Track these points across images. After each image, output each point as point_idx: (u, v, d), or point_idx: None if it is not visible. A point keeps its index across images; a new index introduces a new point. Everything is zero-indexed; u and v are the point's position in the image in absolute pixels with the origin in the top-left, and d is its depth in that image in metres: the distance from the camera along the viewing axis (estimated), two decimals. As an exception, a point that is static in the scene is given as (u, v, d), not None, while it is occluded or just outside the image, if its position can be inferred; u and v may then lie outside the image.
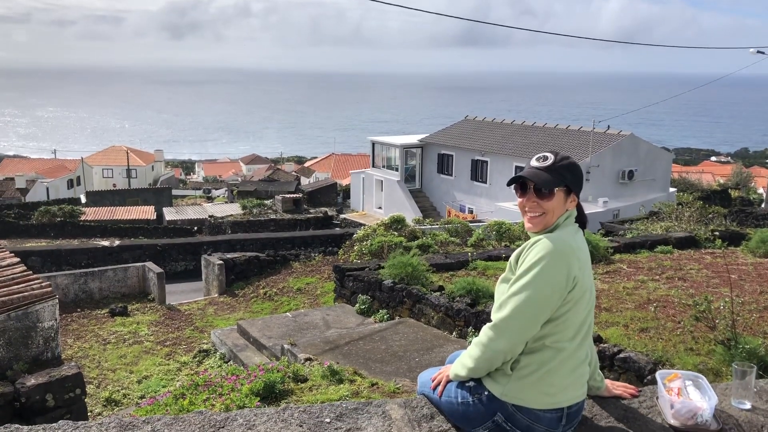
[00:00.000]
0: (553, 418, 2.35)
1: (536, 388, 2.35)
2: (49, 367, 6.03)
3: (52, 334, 6.22)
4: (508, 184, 2.64)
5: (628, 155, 32.14)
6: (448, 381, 2.53)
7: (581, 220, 2.59)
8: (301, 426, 2.32)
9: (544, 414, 2.34)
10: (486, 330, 2.43)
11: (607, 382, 2.78)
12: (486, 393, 2.39)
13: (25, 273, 6.74)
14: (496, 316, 2.40)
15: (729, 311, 6.33)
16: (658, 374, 2.66)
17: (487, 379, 2.42)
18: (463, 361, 2.48)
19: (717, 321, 6.38)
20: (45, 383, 5.61)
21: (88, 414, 9.22)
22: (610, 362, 6.44)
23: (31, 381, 5.62)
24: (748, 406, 2.61)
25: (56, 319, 6.23)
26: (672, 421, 2.46)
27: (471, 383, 2.44)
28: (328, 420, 2.38)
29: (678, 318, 7.14)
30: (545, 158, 2.55)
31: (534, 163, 2.57)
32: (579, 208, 2.60)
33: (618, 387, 2.81)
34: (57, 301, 6.28)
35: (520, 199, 2.57)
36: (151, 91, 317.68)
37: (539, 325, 2.36)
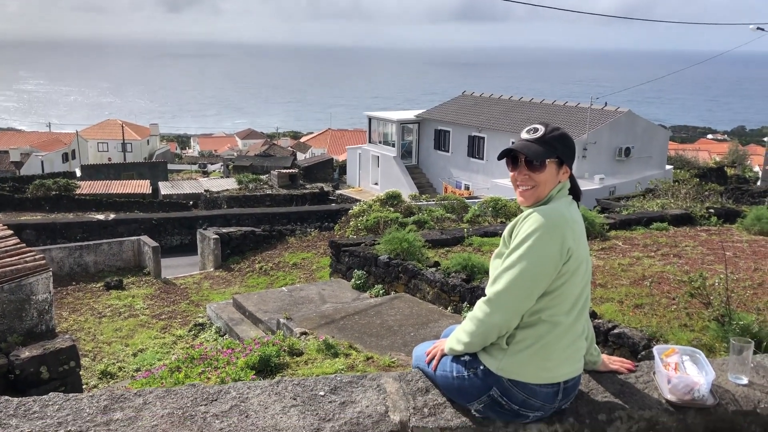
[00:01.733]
0: (549, 393, 2.33)
1: (532, 362, 2.33)
2: (43, 340, 6.02)
3: (46, 307, 6.19)
4: (499, 158, 2.59)
5: (625, 132, 32.05)
6: (443, 355, 2.51)
7: (575, 192, 2.56)
8: (294, 399, 2.30)
9: (540, 389, 2.32)
10: (480, 304, 2.40)
11: (604, 356, 2.75)
12: (481, 367, 2.36)
13: (18, 245, 6.70)
14: (490, 290, 2.37)
15: (723, 288, 6.36)
16: (655, 349, 2.64)
17: (482, 353, 2.40)
18: (457, 336, 2.46)
19: (711, 297, 6.41)
20: (39, 356, 5.61)
21: (83, 386, 9.26)
22: (605, 338, 6.48)
23: (26, 353, 5.62)
24: (745, 381, 2.60)
25: (50, 292, 6.20)
26: (669, 396, 2.45)
27: (466, 357, 2.42)
28: (322, 393, 2.36)
29: (673, 294, 7.17)
30: (535, 130, 2.50)
31: (524, 135, 2.52)
32: (572, 179, 2.56)
33: (615, 362, 2.79)
34: (51, 273, 6.25)
35: (511, 173, 2.53)
36: (147, 65, 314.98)
37: (534, 299, 2.33)
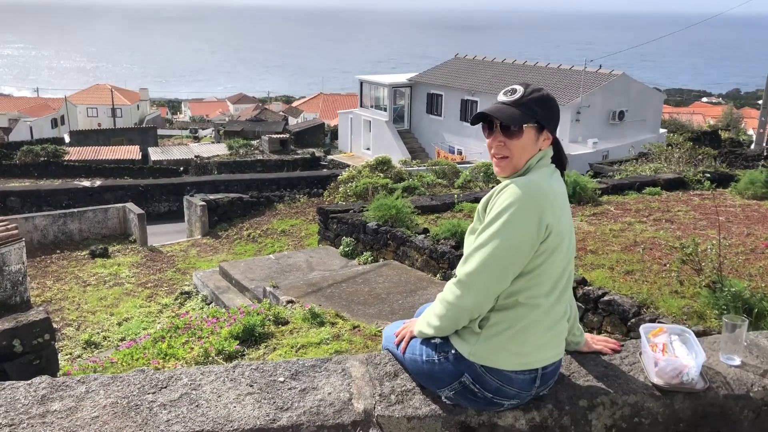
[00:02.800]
0: (526, 379, 2.15)
1: (507, 348, 2.13)
2: (17, 312, 5.85)
3: (20, 278, 6.01)
4: (472, 123, 2.35)
5: (619, 95, 31.70)
6: (412, 337, 2.31)
7: (560, 160, 2.32)
8: (251, 386, 2.12)
9: (516, 375, 2.13)
10: (451, 286, 2.19)
11: (587, 336, 2.55)
12: (453, 351, 2.17)
13: (-10, 215, 6.48)
14: (461, 270, 2.16)
15: (716, 254, 6.23)
16: (642, 328, 2.45)
17: (454, 336, 2.20)
18: (427, 319, 2.26)
19: (703, 264, 6.30)
20: (12, 329, 5.44)
21: (67, 356, 9.15)
22: (594, 305, 6.40)
23: (-3, 326, 5.44)
24: (737, 362, 2.42)
25: (23, 263, 6.00)
26: (655, 380, 2.27)
27: (437, 340, 2.22)
28: (281, 379, 2.17)
29: (664, 260, 7.06)
30: (513, 91, 2.25)
31: (501, 97, 2.27)
32: (557, 146, 2.31)
33: (599, 341, 2.59)
34: (24, 244, 6.04)
35: (487, 140, 2.28)
36: (135, 28, 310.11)
37: (509, 280, 2.12)
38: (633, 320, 5.99)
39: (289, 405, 2.04)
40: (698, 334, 5.45)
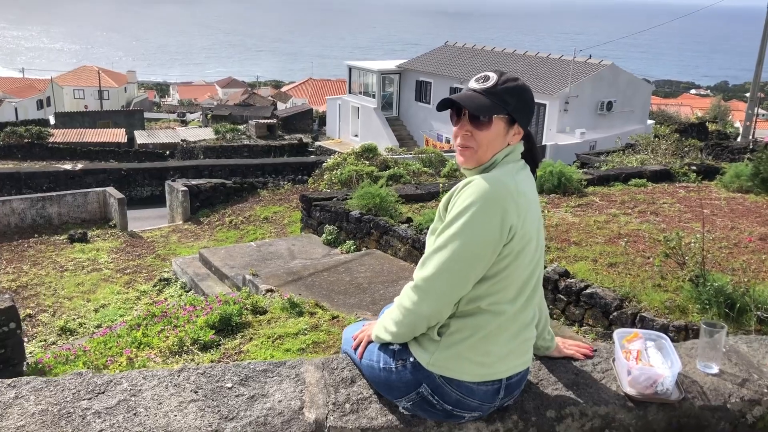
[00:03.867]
0: (489, 390, 2.00)
1: (468, 357, 1.98)
2: (-17, 300, 5.67)
3: (-14, 265, 5.82)
4: (438, 109, 2.17)
5: (608, 86, 31.60)
6: (369, 342, 2.16)
7: (532, 157, 2.16)
8: (196, 392, 1.97)
9: (478, 387, 1.98)
10: (407, 290, 2.03)
11: (558, 340, 2.40)
12: (411, 359, 2.02)
13: (-43, 199, 6.28)
14: (418, 274, 2.00)
15: (699, 248, 6.16)
16: (616, 333, 2.31)
17: (413, 343, 2.05)
18: (384, 323, 2.11)
19: (687, 257, 6.24)
20: (-25, 317, 5.26)
21: (41, 343, 8.97)
22: (576, 298, 6.35)
23: (-40, 315, 5.27)
24: (715, 370, 2.29)
25: (-11, 249, 5.81)
26: (628, 390, 2.13)
27: (396, 347, 2.07)
28: (229, 385, 2.02)
29: (648, 253, 7.00)
30: (486, 78, 2.08)
31: (473, 84, 2.10)
32: (529, 141, 2.15)
33: (570, 346, 2.44)
34: (-10, 229, 5.84)
35: (454, 128, 2.11)
36: (123, 9, 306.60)
37: (469, 285, 1.96)
38: (615, 313, 5.94)
39: (234, 414, 1.89)
40: (679, 329, 5.42)
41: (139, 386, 1.97)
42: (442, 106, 2.12)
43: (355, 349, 2.19)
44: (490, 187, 1.92)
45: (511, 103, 2.03)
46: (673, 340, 2.29)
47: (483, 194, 1.91)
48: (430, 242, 2.01)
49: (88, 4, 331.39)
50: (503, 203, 1.92)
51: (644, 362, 2.14)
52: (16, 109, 56.85)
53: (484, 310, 1.98)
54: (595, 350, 2.40)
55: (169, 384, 1.99)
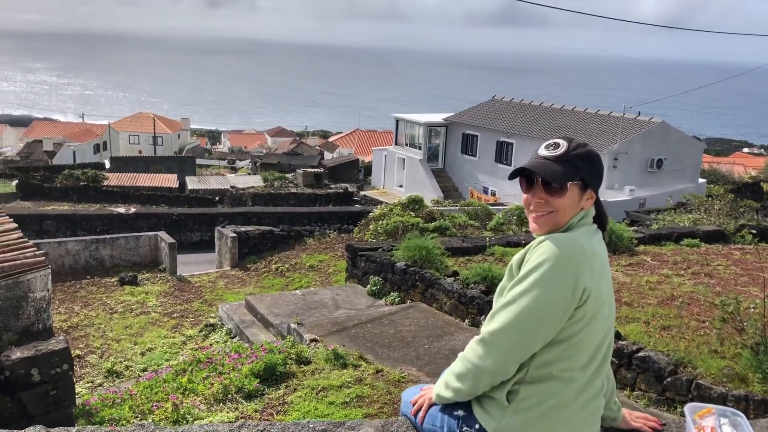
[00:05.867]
0: None
1: (538, 426, 1.93)
2: (39, 339, 5.80)
3: (44, 305, 5.98)
4: (511, 177, 2.19)
5: (658, 143, 31.26)
6: (431, 404, 2.12)
7: (600, 220, 2.15)
8: (255, 447, 1.97)
9: None
10: (473, 344, 2.03)
11: (625, 411, 2.34)
12: (477, 426, 1.98)
13: (20, 240, 6.51)
14: (485, 328, 2.00)
15: (759, 313, 5.95)
16: (687, 408, 2.22)
17: (479, 409, 2.01)
18: (446, 379, 2.08)
19: (746, 323, 6.02)
20: (31, 357, 5.37)
21: (88, 384, 9.08)
22: (628, 361, 6.15)
23: (17, 354, 5.38)
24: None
25: (48, 290, 5.98)
26: (700, 466, 2.05)
27: (460, 412, 2.03)
28: (288, 442, 2.02)
29: (703, 317, 6.79)
30: (556, 146, 2.09)
31: (543, 151, 2.11)
32: (598, 206, 2.14)
33: (638, 418, 2.36)
34: (50, 271, 6.04)
35: (525, 195, 2.13)
36: (180, 60, 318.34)
37: (537, 345, 1.94)
38: (669, 379, 5.73)
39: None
40: (739, 399, 5.20)
41: (202, 439, 1.98)
42: (516, 174, 2.13)
43: (416, 414, 2.16)
44: (565, 246, 1.92)
45: (584, 168, 2.05)
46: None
47: (557, 252, 1.90)
48: (498, 302, 2.00)
49: (150, 53, 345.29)
50: (577, 264, 1.91)
51: (718, 438, 2.05)
52: (74, 153, 59.04)
53: (555, 376, 1.95)
54: (664, 424, 2.32)
55: (230, 438, 1.99)
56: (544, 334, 1.93)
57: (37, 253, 6.23)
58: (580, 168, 2.05)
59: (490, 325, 1.99)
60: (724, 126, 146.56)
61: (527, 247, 2.05)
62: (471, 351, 2.02)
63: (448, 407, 2.09)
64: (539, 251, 1.95)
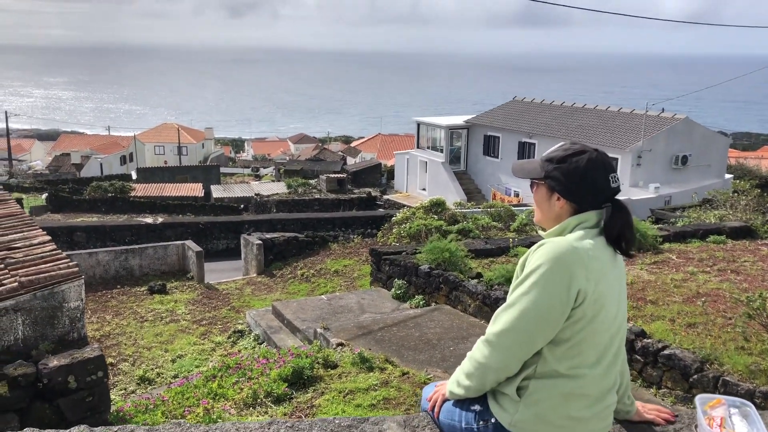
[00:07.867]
0: None
1: (550, 420, 2.02)
2: (74, 348, 5.98)
3: (78, 315, 6.15)
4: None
5: (682, 140, 30.93)
6: (445, 400, 2.24)
7: (606, 230, 2.12)
8: (284, 444, 2.07)
9: None
10: (479, 344, 2.14)
11: (638, 404, 2.41)
12: (493, 420, 2.07)
13: (54, 252, 6.70)
14: (489, 329, 2.11)
15: (786, 310, 5.93)
16: (698, 399, 2.28)
17: (494, 404, 2.11)
18: (457, 377, 2.20)
19: (772, 320, 6.00)
20: (67, 365, 5.54)
21: (121, 392, 9.29)
22: (654, 359, 6.15)
23: (54, 362, 5.56)
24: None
25: (82, 300, 6.16)
26: (712, 456, 2.11)
27: (477, 407, 2.14)
28: (316, 438, 2.12)
29: (729, 314, 6.76)
30: (558, 148, 2.20)
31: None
32: (614, 218, 2.10)
33: (650, 411, 2.43)
34: (83, 281, 6.21)
35: None
36: (203, 70, 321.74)
37: (537, 344, 2.03)
38: (695, 376, 5.73)
39: (321, 468, 1.98)
40: (766, 396, 5.19)
41: (233, 437, 2.09)
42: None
43: (432, 410, 2.27)
44: (559, 249, 2.00)
45: (554, 175, 2.12)
46: (758, 407, 2.24)
47: (552, 256, 1.99)
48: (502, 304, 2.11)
49: (174, 64, 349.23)
50: (570, 267, 1.98)
51: (728, 430, 2.11)
52: (101, 165, 60.05)
53: (563, 374, 2.03)
54: (677, 415, 2.38)
55: (261, 436, 2.10)
56: (543, 335, 2.02)
57: (70, 264, 6.41)
58: (549, 171, 2.13)
59: (493, 326, 2.09)
60: (752, 120, 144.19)
61: (530, 249, 2.14)
62: (477, 350, 2.13)
63: (465, 402, 2.20)
64: (537, 254, 2.04)
